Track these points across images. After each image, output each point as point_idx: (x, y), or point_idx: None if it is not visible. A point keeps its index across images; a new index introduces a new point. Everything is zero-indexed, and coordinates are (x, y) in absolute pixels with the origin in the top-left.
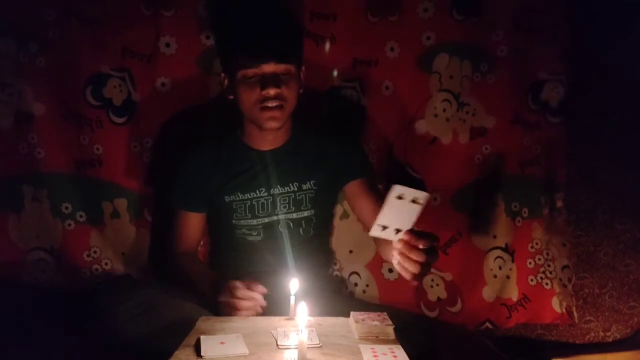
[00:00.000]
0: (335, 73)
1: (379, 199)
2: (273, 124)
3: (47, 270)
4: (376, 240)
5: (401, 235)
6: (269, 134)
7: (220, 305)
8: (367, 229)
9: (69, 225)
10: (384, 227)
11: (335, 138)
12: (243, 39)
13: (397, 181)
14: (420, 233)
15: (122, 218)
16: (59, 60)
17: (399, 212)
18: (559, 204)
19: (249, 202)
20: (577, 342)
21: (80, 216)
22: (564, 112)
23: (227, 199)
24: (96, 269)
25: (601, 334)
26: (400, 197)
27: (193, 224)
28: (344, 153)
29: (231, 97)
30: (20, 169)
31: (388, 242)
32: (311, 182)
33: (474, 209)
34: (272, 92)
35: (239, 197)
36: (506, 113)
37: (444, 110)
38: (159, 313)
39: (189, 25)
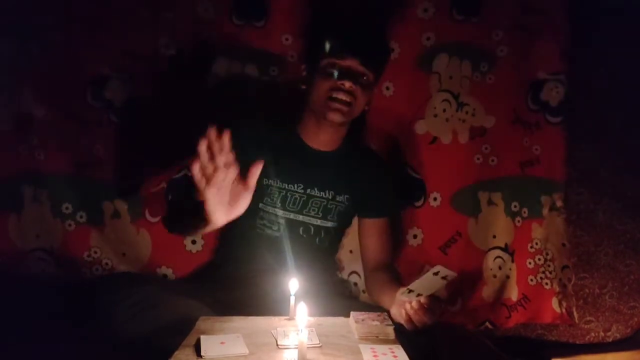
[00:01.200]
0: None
1: (389, 240)
2: (337, 117)
3: (47, 271)
4: (376, 289)
5: (417, 297)
6: (325, 134)
7: None
8: (365, 262)
9: (69, 225)
10: (410, 291)
11: (378, 168)
12: (342, 32)
13: (397, 181)
14: (435, 299)
15: (123, 218)
16: (59, 61)
17: (428, 283)
18: (559, 204)
19: (284, 191)
20: (577, 342)
21: (81, 216)
22: (564, 112)
23: (265, 181)
24: (96, 269)
25: (601, 334)
26: (435, 274)
27: None
28: (379, 188)
29: (304, 86)
30: (21, 170)
31: (392, 295)
32: (345, 197)
33: (473, 209)
34: (347, 84)
35: (277, 183)
36: (506, 113)
37: (444, 110)
38: (158, 312)
39: (189, 27)
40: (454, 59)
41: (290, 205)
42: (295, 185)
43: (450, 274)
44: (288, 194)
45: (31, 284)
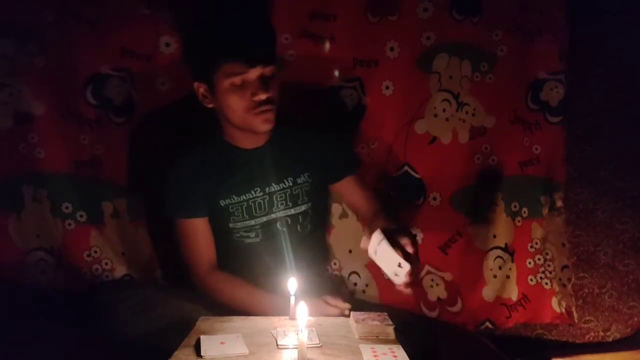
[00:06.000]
0: (337, 73)
1: (370, 191)
2: (268, 126)
3: (47, 271)
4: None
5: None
6: (253, 135)
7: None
8: (362, 222)
9: (69, 225)
10: (396, 274)
11: (318, 134)
12: (228, 46)
13: (397, 182)
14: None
15: (122, 218)
16: (58, 60)
17: (385, 257)
18: (559, 204)
19: (245, 203)
20: (577, 342)
21: (81, 216)
22: (563, 112)
23: (222, 203)
24: (96, 269)
25: (601, 333)
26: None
27: (203, 231)
28: (328, 151)
29: (210, 106)
30: (20, 169)
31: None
32: (305, 175)
33: (473, 209)
34: (263, 96)
35: (234, 199)
36: (506, 113)
37: (444, 110)
38: (158, 312)
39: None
40: (454, 59)
41: (258, 212)
42: (253, 192)
43: (405, 265)
44: (250, 203)
45: (31, 284)
